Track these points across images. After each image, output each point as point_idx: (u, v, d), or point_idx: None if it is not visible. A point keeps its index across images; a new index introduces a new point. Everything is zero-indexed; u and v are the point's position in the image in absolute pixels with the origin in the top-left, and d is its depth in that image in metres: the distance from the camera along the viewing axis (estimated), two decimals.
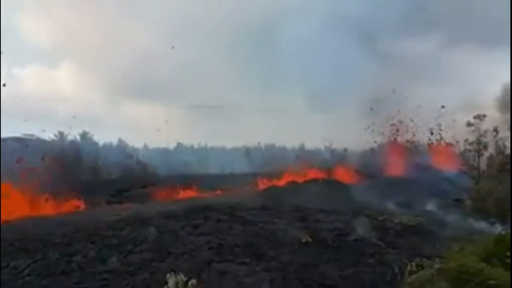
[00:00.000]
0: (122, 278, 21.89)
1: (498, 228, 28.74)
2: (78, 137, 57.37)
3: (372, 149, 59.40)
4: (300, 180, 39.81)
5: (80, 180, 41.83)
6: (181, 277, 20.36)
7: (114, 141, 60.20)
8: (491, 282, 18.25)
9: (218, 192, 39.09)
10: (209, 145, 68.07)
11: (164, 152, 49.79)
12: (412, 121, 51.10)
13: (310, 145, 66.95)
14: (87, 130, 58.15)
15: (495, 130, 46.97)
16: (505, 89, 49.84)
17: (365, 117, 54.92)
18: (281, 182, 39.01)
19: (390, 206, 32.53)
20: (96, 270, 22.23)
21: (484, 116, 46.36)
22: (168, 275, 20.53)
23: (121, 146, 57.14)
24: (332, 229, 26.96)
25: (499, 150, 47.51)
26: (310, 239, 25.74)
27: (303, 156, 56.25)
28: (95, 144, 57.27)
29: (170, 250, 24.12)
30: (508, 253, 21.21)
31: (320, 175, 42.15)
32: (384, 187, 37.27)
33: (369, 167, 47.10)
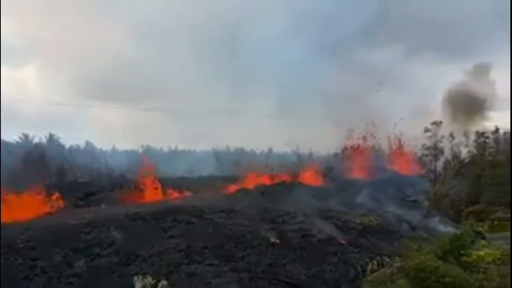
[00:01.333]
0: (89, 282, 21.83)
1: (452, 228, 30.55)
2: (44, 140, 55.82)
3: (336, 153, 61.39)
4: (268, 183, 40.63)
5: (46, 183, 40.83)
6: (149, 279, 20.58)
7: (82, 144, 59.08)
8: (447, 279, 19.64)
9: (187, 195, 39.24)
10: (178, 148, 68.10)
11: (133, 154, 49.33)
12: (374, 126, 53.21)
13: (277, 149, 68.34)
14: (53, 132, 56.80)
15: (451, 135, 49.75)
16: (449, 92, 53.25)
17: (330, 122, 56.80)
18: (250, 185, 39.64)
19: (353, 207, 33.77)
20: (61, 274, 22.00)
21: (441, 122, 49.01)
22: (135, 277, 20.71)
23: (89, 149, 55.99)
24: (298, 230, 27.83)
25: (455, 155, 50.31)
26: (277, 240, 26.55)
27: (271, 159, 57.44)
28: (62, 146, 55.81)
29: (138, 253, 24.11)
30: (462, 251, 22.87)
31: (287, 178, 43.16)
32: (347, 189, 38.60)
33: (333, 170, 48.62)
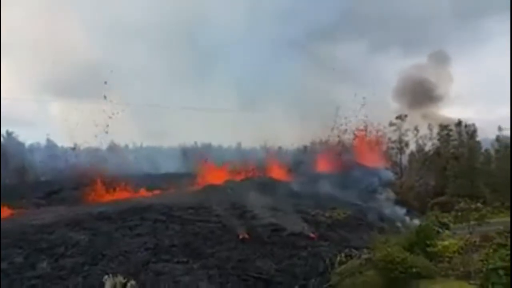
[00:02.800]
0: (53, 283, 20.97)
1: (418, 220, 31.35)
2: (1, 137, 53.02)
3: (305, 147, 61.86)
4: (237, 178, 40.35)
5: (5, 182, 38.81)
6: (120, 278, 19.92)
7: (42, 142, 56.61)
8: (414, 269, 20.08)
9: (155, 192, 38.41)
10: (144, 144, 66.49)
11: (96, 152, 47.67)
12: (339, 120, 54.00)
13: (246, 144, 68.11)
14: (12, 130, 54.01)
15: (416, 129, 51.10)
16: (401, 79, 55.14)
17: (297, 117, 57.11)
18: (218, 181, 39.25)
19: (322, 201, 34.04)
20: (24, 276, 21.09)
21: (406, 116, 50.20)
22: (105, 276, 20.01)
23: (50, 147, 53.71)
24: (267, 224, 27.76)
25: (419, 148, 51.72)
26: (247, 236, 26.40)
27: (240, 155, 57.10)
28: (21, 144, 53.20)
29: (104, 252, 23.43)
30: (428, 242, 23.41)
31: (256, 173, 43.05)
32: (316, 183, 38.90)
33: (302, 165, 48.93)
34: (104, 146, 51.45)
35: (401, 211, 35.85)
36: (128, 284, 19.15)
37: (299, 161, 50.87)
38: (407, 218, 34.41)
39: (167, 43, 78.71)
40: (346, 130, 53.41)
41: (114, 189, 37.20)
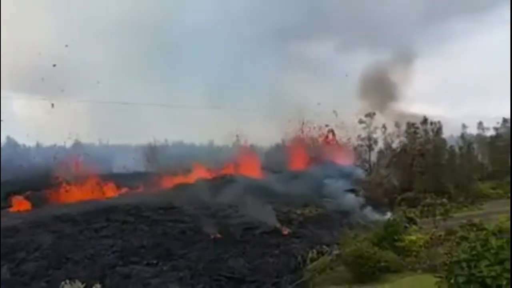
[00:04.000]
0: None
1: (387, 215, 31.93)
2: None
3: (277, 145, 62.06)
4: (208, 177, 39.95)
5: None
6: (78, 284, 19.27)
7: (3, 140, 54.06)
8: (383, 264, 20.48)
9: (122, 192, 37.48)
10: (111, 142, 64.72)
11: (60, 151, 45.92)
12: (315, 117, 54.54)
13: (218, 142, 67.65)
14: None
15: (384, 127, 52.14)
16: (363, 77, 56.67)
17: (270, 114, 57.23)
18: (190, 180, 38.74)
19: (294, 198, 34.19)
20: None
21: (374, 114, 51.15)
22: (62, 283, 19.34)
23: (10, 145, 51.42)
24: (240, 223, 27.63)
25: (387, 145, 52.81)
26: (219, 235, 26.15)
27: (212, 152, 56.63)
28: None
29: (68, 256, 22.69)
30: (396, 237, 23.93)
31: (228, 171, 42.78)
32: (288, 181, 39.07)
33: (274, 162, 49.08)
34: (68, 144, 49.94)
35: (370, 207, 36.44)
36: None
37: (272, 159, 50.97)
38: (376, 214, 35.01)
39: (137, 40, 77.18)
40: (315, 127, 54.02)
41: (79, 189, 36.09)
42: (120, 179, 40.17)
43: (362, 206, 36.31)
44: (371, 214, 35.02)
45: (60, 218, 26.11)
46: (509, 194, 46.64)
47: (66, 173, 37.07)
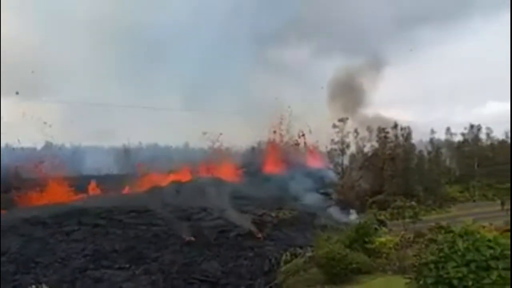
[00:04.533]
0: None
1: (357, 218, 32.64)
2: None
3: (253, 148, 62.22)
4: (183, 179, 39.62)
5: None
6: None
7: None
8: (354, 265, 20.87)
9: (94, 195, 36.68)
10: (83, 144, 63.22)
11: (31, 152, 44.46)
12: (286, 121, 55.13)
13: (194, 144, 67.22)
14: None
15: (356, 131, 53.20)
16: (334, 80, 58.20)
17: (245, 117, 57.41)
18: (164, 182, 38.33)
19: (268, 201, 34.38)
20: None
21: (347, 119, 52.14)
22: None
23: None
24: (214, 226, 27.56)
25: (359, 149, 53.89)
26: (193, 238, 26.01)
27: (187, 155, 56.17)
28: None
29: (37, 260, 22.14)
30: (367, 239, 24.45)
31: (204, 173, 42.56)
32: (262, 184, 39.27)
33: (249, 165, 49.18)
34: (39, 146, 48.48)
35: (342, 209, 37.10)
36: None
37: (247, 162, 51.08)
38: (348, 216, 35.67)
39: (112, 41, 75.79)
40: (291, 131, 54.54)
41: (50, 192, 35.10)
42: (92, 181, 39.32)
43: (335, 209, 36.93)
44: (343, 216, 35.65)
45: (29, 221, 25.37)
46: (474, 198, 48.70)
47: (36, 175, 35.99)
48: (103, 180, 40.62)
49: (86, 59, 72.71)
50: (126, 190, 36.66)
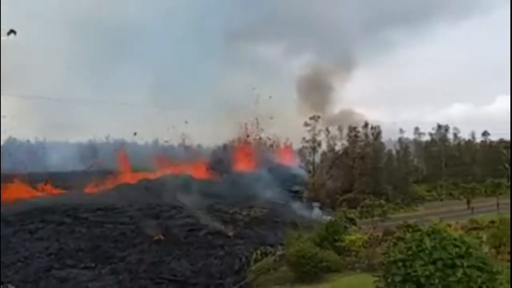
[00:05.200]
0: None
1: (328, 216, 32.93)
2: None
3: (225, 146, 61.82)
4: (152, 177, 38.85)
5: None
6: None
7: None
8: (324, 263, 21.07)
9: (59, 192, 35.42)
10: (48, 139, 60.92)
11: None
12: (258, 119, 55.12)
13: (163, 141, 66.11)
14: None
15: (327, 129, 53.77)
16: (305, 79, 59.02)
17: (216, 115, 56.89)
18: (132, 180, 37.47)
19: (239, 199, 34.22)
20: None
21: (319, 117, 52.58)
22: None
23: None
24: (184, 224, 27.17)
25: (330, 147, 54.50)
26: (162, 237, 25.53)
27: (157, 151, 55.14)
28: None
29: None
30: (336, 237, 24.72)
31: (174, 171, 41.90)
32: (234, 181, 39.03)
33: (221, 163, 48.82)
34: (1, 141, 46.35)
35: (313, 207, 37.39)
36: None
37: (218, 159, 50.68)
38: (319, 214, 35.97)
39: (80, 35, 73.34)
40: (262, 129, 54.55)
41: (12, 189, 33.65)
42: (56, 178, 37.96)
43: (306, 207, 37.19)
44: (314, 214, 35.94)
45: None
46: (442, 197, 50.23)
47: None
48: (69, 176, 39.33)
49: (53, 53, 70.13)
50: (92, 187, 35.57)
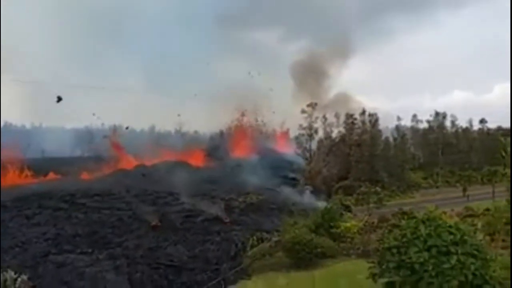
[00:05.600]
0: None
1: (324, 203, 33.10)
2: None
3: (221, 132, 61.68)
4: (149, 163, 38.84)
5: None
6: (10, 274, 18.12)
7: None
8: (319, 250, 21.32)
9: (56, 177, 35.38)
10: (44, 125, 60.55)
11: None
12: (254, 106, 54.90)
13: (160, 127, 65.92)
14: None
15: (324, 117, 53.64)
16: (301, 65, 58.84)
17: (213, 101, 56.65)
18: (129, 165, 37.44)
19: (236, 186, 34.30)
20: None
21: (316, 104, 52.38)
22: None
23: None
24: (181, 210, 27.25)
25: (327, 135, 54.47)
26: (159, 223, 25.63)
27: (153, 138, 54.92)
28: None
29: None
30: (332, 224, 24.93)
31: (170, 157, 41.86)
32: (231, 168, 39.09)
33: (217, 150, 48.79)
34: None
35: (309, 194, 37.52)
36: (19, 280, 17.43)
37: (215, 146, 50.65)
38: (315, 201, 36.13)
39: (76, 21, 72.35)
40: (259, 115, 54.43)
41: (10, 174, 33.63)
42: (53, 163, 37.89)
43: (302, 194, 37.32)
44: (310, 201, 36.09)
45: None
46: (438, 184, 50.52)
47: None
48: (65, 162, 39.26)
49: (50, 40, 69.28)
50: (89, 172, 35.54)
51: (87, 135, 53.08)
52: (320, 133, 52.66)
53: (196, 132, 62.18)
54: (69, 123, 57.89)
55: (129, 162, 38.10)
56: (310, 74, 57.88)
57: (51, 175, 35.60)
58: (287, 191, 36.57)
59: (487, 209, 25.44)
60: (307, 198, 36.50)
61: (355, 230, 24.19)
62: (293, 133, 55.07)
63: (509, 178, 32.51)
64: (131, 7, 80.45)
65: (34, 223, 23.83)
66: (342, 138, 51.54)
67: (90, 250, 21.77)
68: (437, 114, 57.51)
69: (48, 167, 36.44)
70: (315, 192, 38.50)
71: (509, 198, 21.97)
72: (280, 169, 41.73)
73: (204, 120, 57.26)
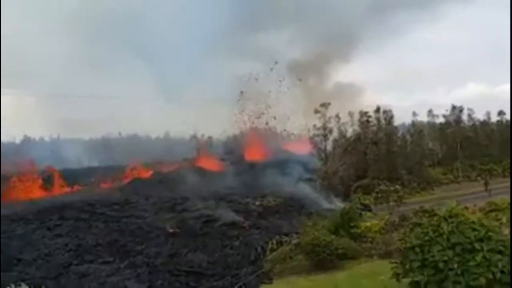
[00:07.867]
0: None
1: (343, 203, 32.77)
2: None
3: (235, 136, 61.82)
4: (165, 170, 39.17)
5: None
6: (24, 287, 18.32)
7: None
8: (340, 251, 21.03)
9: (75, 188, 35.98)
10: (62, 137, 61.72)
11: (9, 146, 42.98)
12: (267, 108, 54.86)
13: (174, 134, 66.39)
14: None
15: (337, 116, 53.22)
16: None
17: (226, 106, 56.85)
18: (146, 174, 37.82)
19: (253, 189, 34.29)
20: None
21: (329, 104, 52.03)
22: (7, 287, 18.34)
23: None
24: (199, 216, 27.34)
25: (342, 134, 53.98)
26: (177, 229, 25.74)
27: (169, 145, 55.40)
28: None
29: (19, 257, 21.58)
30: (352, 224, 24.62)
31: (187, 164, 42.13)
32: (246, 172, 39.13)
33: (232, 154, 48.88)
34: (17, 140, 47.14)
35: (327, 195, 37.21)
36: None
37: (229, 150, 50.76)
38: (333, 202, 35.82)
39: (91, 33, 73.81)
40: (273, 118, 54.35)
41: (31, 187, 34.29)
42: (73, 174, 38.54)
43: (319, 195, 37.03)
44: (327, 201, 35.80)
45: (10, 218, 24.72)
46: (459, 179, 49.54)
47: (15, 169, 35.01)
48: (84, 172, 39.90)
49: (66, 51, 70.84)
50: (107, 182, 36.02)
51: (104, 145, 53.86)
52: (335, 133, 52.28)
53: (210, 137, 62.45)
54: (87, 134, 58.98)
55: (145, 170, 38.35)
56: (319, 74, 57.66)
57: (71, 187, 36.19)
58: (304, 193, 36.34)
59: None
60: (325, 199, 36.21)
61: (376, 230, 23.78)
62: (307, 134, 54.87)
63: None
64: (147, 16, 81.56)
65: (56, 234, 24.20)
66: (358, 136, 50.97)
67: (111, 259, 21.95)
68: (453, 108, 56.50)
69: (67, 178, 37.07)
70: (333, 192, 38.18)
71: None
72: (296, 171, 41.50)
73: (217, 124, 57.51)
